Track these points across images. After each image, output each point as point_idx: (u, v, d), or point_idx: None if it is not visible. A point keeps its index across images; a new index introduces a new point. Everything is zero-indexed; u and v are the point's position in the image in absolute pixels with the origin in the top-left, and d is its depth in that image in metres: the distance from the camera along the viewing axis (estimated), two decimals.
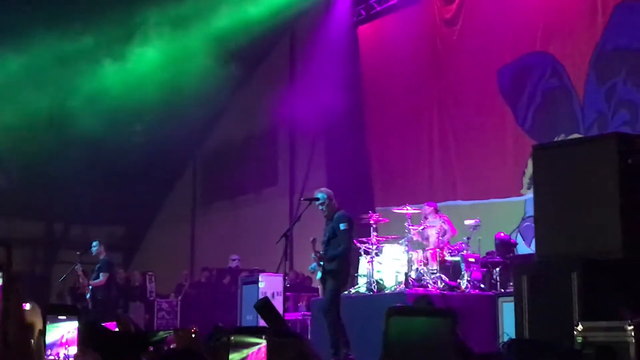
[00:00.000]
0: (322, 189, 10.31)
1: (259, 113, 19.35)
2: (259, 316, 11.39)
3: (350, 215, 10.05)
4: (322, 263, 9.77)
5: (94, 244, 14.03)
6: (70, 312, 3.75)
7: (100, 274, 13.76)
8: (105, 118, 17.53)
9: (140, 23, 16.27)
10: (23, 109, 17.23)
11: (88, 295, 13.74)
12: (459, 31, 14.63)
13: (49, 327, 3.69)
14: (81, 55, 16.69)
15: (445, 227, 12.10)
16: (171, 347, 4.06)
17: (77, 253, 14.18)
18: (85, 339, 3.16)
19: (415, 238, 11.95)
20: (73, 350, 3.53)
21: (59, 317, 3.71)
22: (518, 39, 13.66)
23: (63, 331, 3.68)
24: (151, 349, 4.08)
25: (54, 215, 20.34)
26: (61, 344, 3.70)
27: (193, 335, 3.70)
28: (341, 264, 9.75)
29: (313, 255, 9.95)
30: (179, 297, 17.11)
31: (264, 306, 4.18)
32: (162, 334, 3.80)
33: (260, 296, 11.20)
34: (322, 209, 9.96)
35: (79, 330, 3.63)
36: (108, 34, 16.47)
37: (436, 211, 12.31)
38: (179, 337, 3.71)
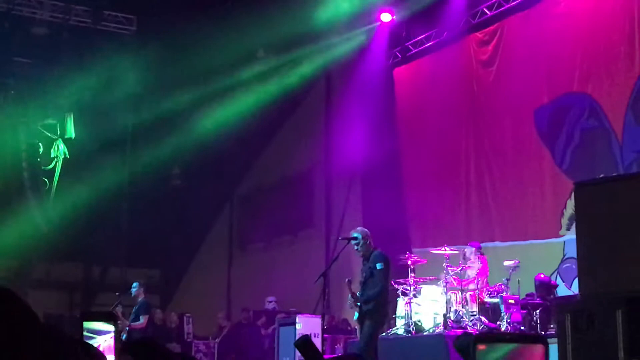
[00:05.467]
0: (358, 228, 10.14)
1: (295, 155, 19.46)
2: (295, 357, 11.38)
3: (387, 254, 9.93)
4: (359, 304, 9.69)
5: (134, 285, 13.93)
6: (107, 319, 3.73)
7: (140, 317, 13.66)
8: (144, 162, 17.79)
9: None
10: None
11: (124, 337, 13.67)
12: (495, 72, 14.64)
13: (86, 335, 3.68)
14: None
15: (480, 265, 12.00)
16: None
17: (116, 294, 14.15)
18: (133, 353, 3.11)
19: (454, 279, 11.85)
20: (111, 358, 3.48)
21: (96, 323, 3.71)
22: (555, 79, 13.64)
23: (100, 340, 3.67)
24: None
25: (91, 258, 20.49)
26: None
27: None
28: (378, 304, 9.64)
29: (350, 296, 9.87)
30: (217, 339, 17.07)
31: (305, 344, 4.16)
32: None
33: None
34: (357, 249, 9.83)
35: (115, 337, 3.61)
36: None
37: (478, 251, 12.21)
38: None
